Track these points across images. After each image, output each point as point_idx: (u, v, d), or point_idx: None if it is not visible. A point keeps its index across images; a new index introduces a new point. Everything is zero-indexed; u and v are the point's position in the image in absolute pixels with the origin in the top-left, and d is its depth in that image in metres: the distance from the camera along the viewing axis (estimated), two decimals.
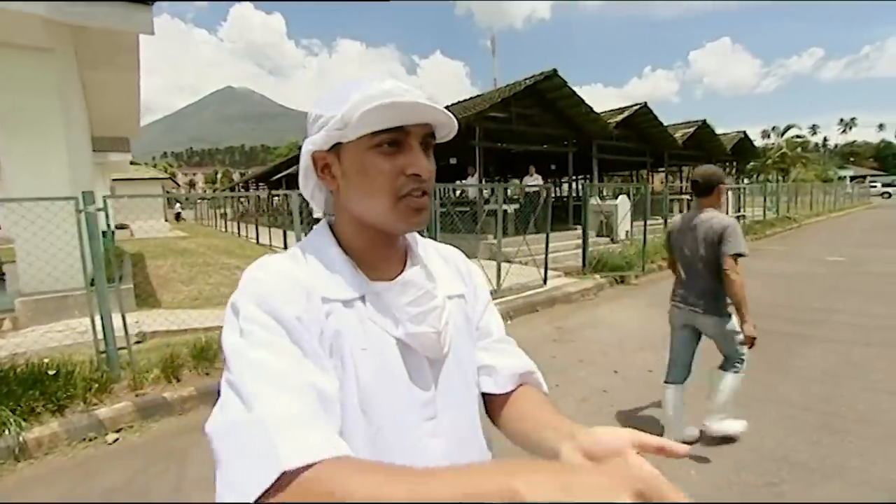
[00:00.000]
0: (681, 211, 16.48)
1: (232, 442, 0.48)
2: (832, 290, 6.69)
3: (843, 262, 8.96)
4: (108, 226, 3.51)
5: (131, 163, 21.29)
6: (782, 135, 39.43)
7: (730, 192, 13.99)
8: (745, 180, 26.37)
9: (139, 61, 6.32)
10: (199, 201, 33.04)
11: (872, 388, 3.44)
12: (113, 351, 3.50)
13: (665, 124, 14.50)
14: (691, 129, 16.06)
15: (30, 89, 4.74)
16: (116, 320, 3.55)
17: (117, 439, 3.05)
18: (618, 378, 3.77)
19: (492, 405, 0.77)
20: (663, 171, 18.08)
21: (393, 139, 0.64)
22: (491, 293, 6.00)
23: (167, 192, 26.67)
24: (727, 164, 21.23)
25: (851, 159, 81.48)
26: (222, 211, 26.10)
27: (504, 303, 5.91)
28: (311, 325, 0.60)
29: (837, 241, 12.21)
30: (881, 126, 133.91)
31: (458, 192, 13.59)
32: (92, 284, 3.49)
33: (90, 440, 3.03)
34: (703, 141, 16.88)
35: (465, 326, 0.77)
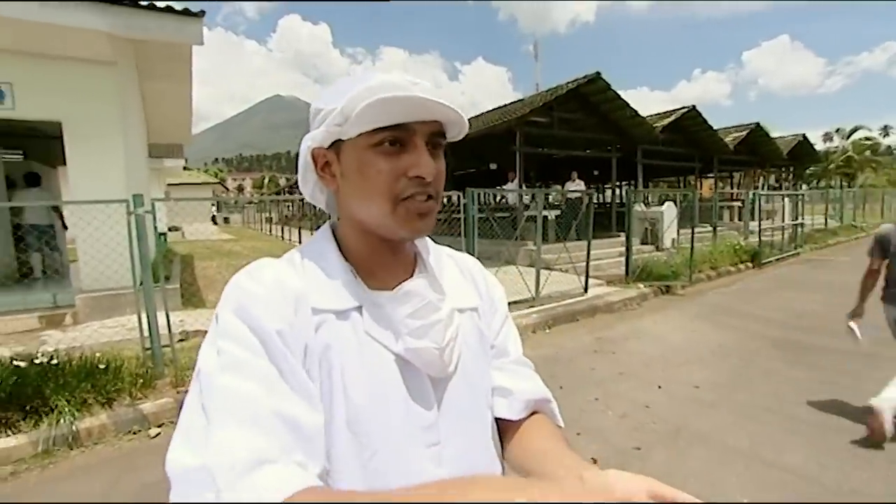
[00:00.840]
0: (731, 219, 15.66)
1: (184, 489, 0.48)
2: None
3: None
4: (156, 228, 3.67)
5: (185, 168, 22.52)
6: (848, 137, 36.82)
7: (786, 199, 13.14)
8: (804, 186, 24.79)
9: (192, 72, 6.65)
10: (246, 205, 34.46)
11: None
12: (157, 348, 3.64)
13: (715, 128, 13.86)
14: (743, 133, 15.27)
15: (93, 99, 5.08)
16: (162, 318, 3.70)
17: (159, 433, 3.16)
18: (661, 393, 3.56)
19: (501, 431, 0.70)
20: (712, 177, 17.29)
21: (395, 137, 0.58)
22: (530, 301, 5.92)
23: (216, 195, 27.93)
24: (783, 169, 20.06)
25: None
26: (268, 215, 27.10)
27: (543, 311, 5.77)
28: (295, 340, 0.54)
29: None
30: None
31: (498, 198, 13.49)
32: (140, 284, 3.66)
33: (135, 433, 3.15)
34: (756, 145, 16.01)
35: (477, 343, 0.69)
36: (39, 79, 4.96)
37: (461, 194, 5.47)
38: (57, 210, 6.60)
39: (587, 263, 6.81)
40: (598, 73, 10.12)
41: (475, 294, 0.73)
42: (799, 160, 19.13)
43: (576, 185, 11.43)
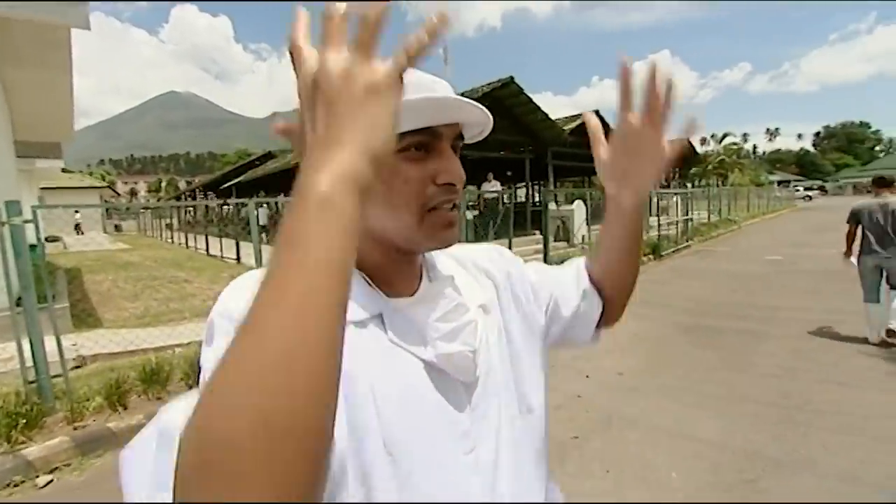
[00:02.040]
0: None
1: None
2: (774, 287, 7.10)
3: (781, 260, 9.56)
4: (39, 239, 3.15)
5: (63, 170, 19.76)
6: (720, 142, 42.12)
7: (677, 197, 14.67)
8: (689, 185, 27.88)
9: (71, 60, 5.83)
10: (142, 211, 31.15)
11: (825, 379, 3.62)
12: (45, 379, 3.12)
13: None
14: None
15: None
16: (50, 344, 3.18)
17: (51, 481, 2.70)
18: (590, 383, 3.78)
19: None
20: None
21: (422, 142, 0.53)
22: None
23: (106, 201, 24.97)
24: (672, 169, 22.39)
25: (777, 165, 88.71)
26: (168, 221, 24.72)
27: None
28: None
29: (773, 241, 13.06)
30: (800, 136, 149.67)
31: None
32: (18, 304, 3.12)
33: (16, 485, 2.66)
34: None
35: (497, 339, 0.65)
36: None
37: None
38: None
39: None
40: (511, 78, 10.54)
41: (484, 287, 0.69)
42: (684, 162, 21.46)
43: (492, 186, 11.79)
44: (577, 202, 11.84)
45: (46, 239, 13.02)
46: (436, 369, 0.56)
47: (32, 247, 3.25)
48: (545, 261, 7.86)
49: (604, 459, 2.64)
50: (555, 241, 11.33)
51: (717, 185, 28.92)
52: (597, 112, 13.96)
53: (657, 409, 3.23)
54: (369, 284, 0.57)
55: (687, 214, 13.65)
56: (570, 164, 14.97)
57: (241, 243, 11.28)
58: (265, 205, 14.85)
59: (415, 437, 0.53)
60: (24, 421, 2.89)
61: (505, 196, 11.76)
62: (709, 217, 16.15)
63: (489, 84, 10.71)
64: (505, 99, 11.26)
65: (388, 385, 0.52)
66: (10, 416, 2.87)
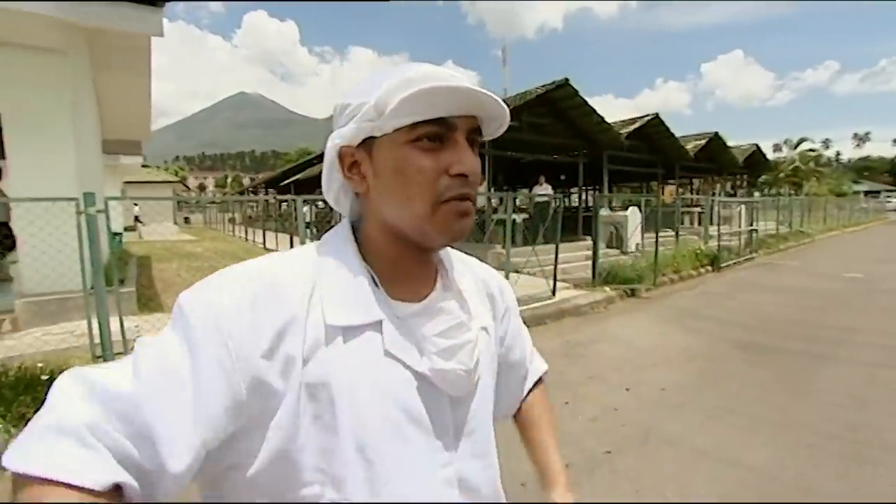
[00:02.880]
0: (692, 223, 16.24)
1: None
2: (851, 307, 6.47)
3: (861, 278, 8.71)
4: (109, 228, 3.44)
5: (143, 165, 21.51)
6: (795, 148, 39.03)
7: (742, 206, 13.75)
8: (757, 193, 26.07)
9: (150, 64, 6.33)
10: (208, 205, 33.30)
11: None
12: (110, 356, 3.41)
13: (677, 136, 14.37)
14: (703, 141, 15.89)
15: (40, 90, 4.73)
16: (115, 324, 3.47)
17: None
18: (630, 396, 3.61)
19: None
20: (674, 183, 17.91)
21: (435, 133, 0.53)
22: None
23: (177, 195, 26.88)
24: (738, 176, 21.02)
25: (865, 174, 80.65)
26: (231, 215, 26.25)
27: None
28: (252, 350, 0.48)
29: (854, 257, 11.92)
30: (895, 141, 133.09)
31: None
32: (91, 287, 3.42)
33: None
34: (715, 153, 16.69)
35: (490, 359, 0.67)
36: None
37: None
38: None
39: (555, 267, 6.88)
40: (567, 80, 10.30)
41: (488, 309, 0.70)
42: (753, 169, 20.10)
43: (543, 189, 11.59)
44: (631, 208, 11.39)
45: (125, 228, 14.25)
46: (426, 381, 0.56)
47: (115, 235, 3.56)
48: (593, 267, 7.62)
49: (635, 478, 2.51)
50: (607, 247, 10.97)
51: (790, 194, 26.86)
52: (657, 115, 13.43)
53: (700, 430, 3.04)
54: (376, 284, 0.57)
55: (752, 225, 12.77)
56: (627, 169, 14.43)
57: (295, 238, 11.79)
58: (313, 202, 15.41)
59: (393, 447, 0.53)
60: None
61: (558, 201, 11.51)
62: (777, 228, 15.02)
63: (543, 86, 10.53)
64: (559, 101, 11.04)
65: (371, 391, 0.52)
66: None
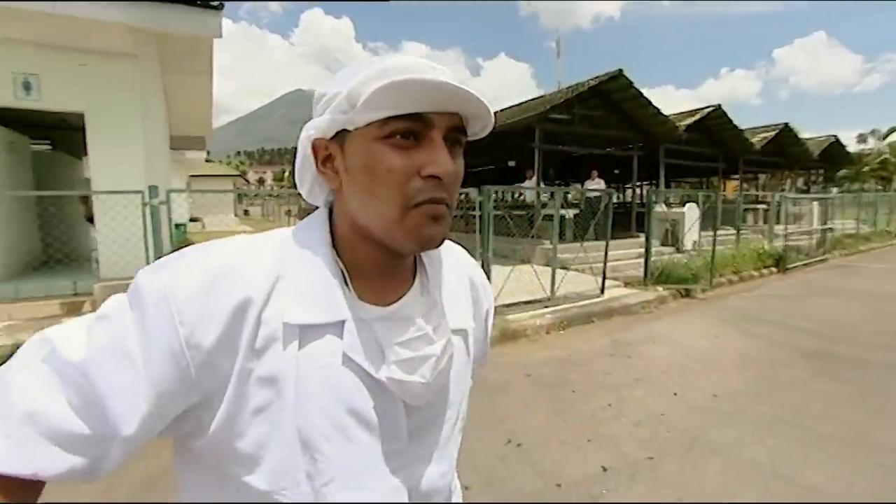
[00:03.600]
0: (755, 222, 15.19)
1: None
2: None
3: None
4: (170, 219, 3.69)
5: (207, 160, 22.87)
6: (884, 138, 35.39)
7: (815, 202, 12.69)
8: (835, 189, 23.92)
9: (212, 64, 6.70)
10: (266, 197, 34.91)
11: None
12: None
13: (742, 128, 13.46)
14: (771, 133, 14.79)
15: (115, 91, 5.15)
16: None
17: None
18: (677, 401, 3.44)
19: None
20: (737, 179, 16.81)
21: (410, 129, 0.49)
22: (544, 301, 5.83)
23: (237, 188, 28.35)
24: (813, 171, 19.40)
25: None
26: (287, 208, 27.38)
27: (557, 311, 5.66)
28: (210, 337, 0.47)
29: None
30: None
31: (516, 196, 13.36)
32: None
33: None
34: (785, 146, 15.50)
35: (464, 365, 0.63)
36: (63, 71, 5.05)
37: (477, 191, 5.40)
38: (85, 200, 6.74)
39: (604, 264, 6.66)
40: (621, 71, 9.91)
41: (471, 310, 0.67)
42: (830, 162, 18.47)
43: (595, 184, 11.23)
44: (689, 204, 10.81)
45: (190, 219, 15.22)
46: (382, 388, 0.53)
47: (179, 225, 3.83)
48: (645, 264, 7.31)
49: (677, 485, 2.39)
50: (661, 245, 10.50)
51: (876, 190, 24.48)
52: (719, 106, 12.70)
53: (753, 441, 2.84)
54: (344, 282, 0.54)
55: (826, 223, 11.76)
56: (686, 164, 13.70)
57: None
58: None
59: (339, 444, 0.51)
60: None
61: (609, 196, 11.06)
62: (857, 227, 13.75)
63: (596, 77, 10.18)
64: (613, 93, 10.65)
65: (322, 390, 0.51)
66: None
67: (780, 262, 9.08)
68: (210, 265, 0.50)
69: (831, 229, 11.69)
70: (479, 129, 0.55)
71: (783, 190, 17.12)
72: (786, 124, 15.03)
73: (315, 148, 0.55)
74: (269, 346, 0.49)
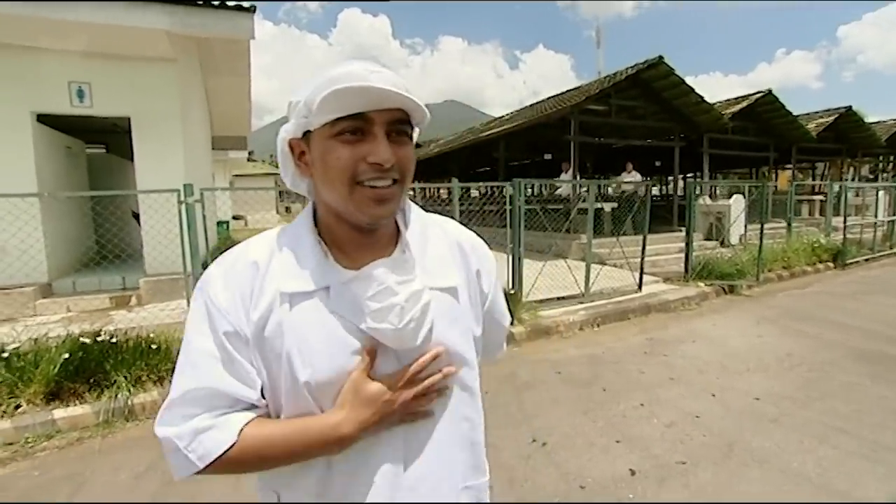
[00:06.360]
0: (810, 214, 14.22)
1: (171, 454, 0.64)
2: None
3: None
4: (204, 216, 3.83)
5: (249, 159, 23.71)
6: None
7: (881, 192, 11.72)
8: None
9: (250, 66, 6.91)
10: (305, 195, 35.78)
11: None
12: None
13: (797, 114, 12.60)
14: (830, 118, 13.78)
15: (157, 95, 5.40)
16: None
17: None
18: (715, 403, 3.26)
19: None
20: (791, 168, 15.78)
21: (354, 127, 0.61)
22: (578, 296, 5.68)
23: (278, 185, 29.33)
24: (881, 158, 17.95)
25: None
26: None
27: (592, 308, 5.51)
28: (244, 317, 0.64)
29: None
30: None
31: (551, 189, 13.08)
32: (191, 269, 3.84)
33: None
34: (846, 131, 14.44)
35: (454, 320, 0.72)
36: (112, 78, 5.34)
37: (510, 184, 5.30)
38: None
39: (642, 259, 6.42)
40: (661, 58, 9.47)
41: (458, 271, 0.75)
42: None
43: (631, 176, 10.86)
44: (735, 196, 10.26)
45: (233, 217, 15.78)
46: (371, 336, 0.65)
47: (222, 223, 3.98)
48: (686, 259, 6.99)
49: (710, 495, 2.26)
50: (705, 239, 10.02)
51: None
52: (769, 91, 11.95)
53: (798, 449, 2.65)
54: (326, 256, 0.68)
55: (894, 216, 10.86)
56: (732, 154, 12.99)
57: None
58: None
59: (337, 386, 0.64)
60: None
61: (646, 188, 10.58)
62: None
63: (634, 66, 9.79)
64: (653, 81, 10.20)
65: (320, 341, 0.64)
66: None
67: (837, 257, 8.46)
68: (230, 256, 0.70)
69: None
70: (420, 119, 0.66)
71: (844, 179, 15.93)
72: (848, 108, 13.95)
73: (292, 146, 0.68)
74: (271, 314, 0.64)
